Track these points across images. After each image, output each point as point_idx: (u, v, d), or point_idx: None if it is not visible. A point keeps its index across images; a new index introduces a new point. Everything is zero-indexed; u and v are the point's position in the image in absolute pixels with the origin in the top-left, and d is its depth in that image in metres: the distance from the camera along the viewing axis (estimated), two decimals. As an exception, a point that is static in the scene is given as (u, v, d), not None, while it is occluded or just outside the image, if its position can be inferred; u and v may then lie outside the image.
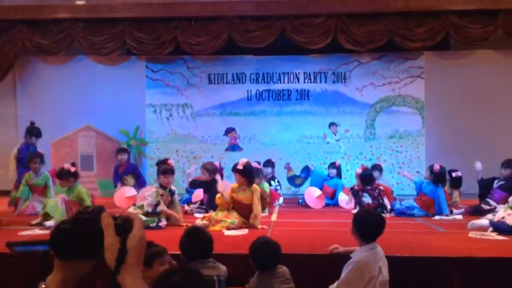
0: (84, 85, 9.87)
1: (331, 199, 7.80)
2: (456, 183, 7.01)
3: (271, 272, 3.18)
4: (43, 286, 1.00)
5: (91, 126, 9.64)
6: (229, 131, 10.03)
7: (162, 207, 5.53)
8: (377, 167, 7.90)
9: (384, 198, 6.75)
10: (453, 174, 6.96)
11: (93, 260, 0.99)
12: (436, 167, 6.58)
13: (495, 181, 6.75)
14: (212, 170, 7.01)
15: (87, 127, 9.58)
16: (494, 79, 9.41)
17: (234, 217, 5.43)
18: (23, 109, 10.05)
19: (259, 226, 5.42)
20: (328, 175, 8.19)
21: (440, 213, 6.41)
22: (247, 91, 9.98)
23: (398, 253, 4.00)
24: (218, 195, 5.70)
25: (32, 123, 7.78)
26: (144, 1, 9.21)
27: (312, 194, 7.73)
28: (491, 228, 5.10)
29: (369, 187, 6.77)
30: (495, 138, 9.17)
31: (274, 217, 6.50)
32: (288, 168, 9.44)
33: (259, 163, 7.18)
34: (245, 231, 5.20)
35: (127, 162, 8.60)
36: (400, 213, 6.55)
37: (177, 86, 10.04)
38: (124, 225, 0.96)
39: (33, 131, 7.60)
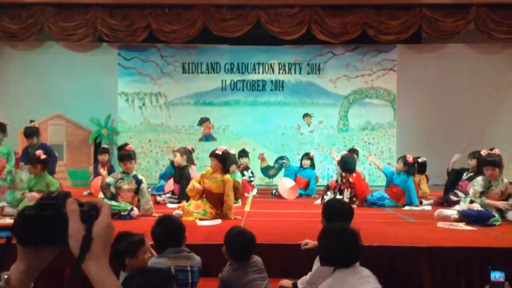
0: (54, 72, 9.64)
1: (305, 190, 7.84)
2: (422, 168, 7.25)
3: (245, 262, 3.17)
4: (6, 276, 0.96)
5: (61, 114, 9.43)
6: (203, 121, 9.97)
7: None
8: (355, 151, 8.05)
9: (345, 191, 6.52)
10: (419, 160, 7.20)
11: (58, 247, 0.95)
12: (410, 157, 6.71)
13: (464, 173, 6.92)
14: (185, 153, 6.90)
15: (57, 115, 9.36)
16: (465, 73, 9.60)
17: (206, 208, 5.41)
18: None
19: (233, 217, 5.41)
20: (302, 166, 8.20)
21: (410, 203, 6.53)
22: (222, 81, 9.93)
23: (368, 242, 4.05)
24: (189, 187, 5.65)
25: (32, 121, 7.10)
26: (117, -13, 9.03)
27: (285, 185, 7.76)
28: (456, 216, 5.22)
29: (343, 174, 6.66)
30: (465, 130, 9.37)
31: (247, 207, 6.50)
32: (262, 158, 9.45)
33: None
34: (218, 221, 5.19)
35: (109, 163, 7.82)
36: (371, 204, 6.65)
37: (150, 74, 9.91)
38: (90, 211, 0.92)
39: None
